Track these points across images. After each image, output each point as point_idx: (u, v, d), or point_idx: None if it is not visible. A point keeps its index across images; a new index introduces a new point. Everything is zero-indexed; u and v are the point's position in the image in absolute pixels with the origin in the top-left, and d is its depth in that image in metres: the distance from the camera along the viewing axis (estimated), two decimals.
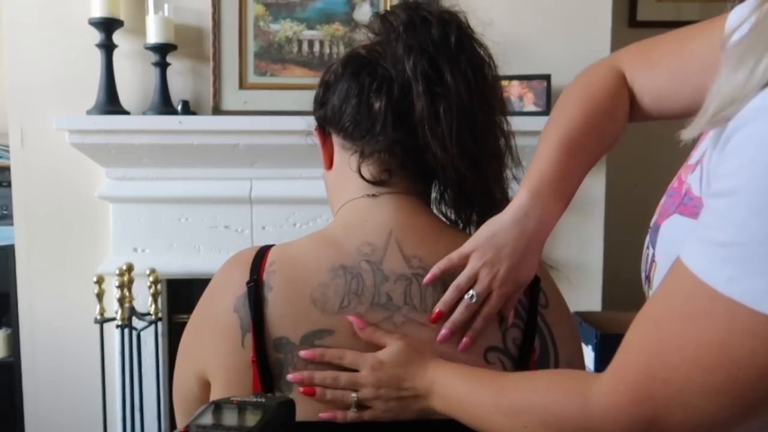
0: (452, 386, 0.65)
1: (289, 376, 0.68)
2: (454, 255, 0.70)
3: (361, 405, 0.68)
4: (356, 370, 0.68)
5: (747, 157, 0.44)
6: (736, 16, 0.66)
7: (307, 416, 0.67)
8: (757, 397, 0.45)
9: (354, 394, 0.68)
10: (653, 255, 0.58)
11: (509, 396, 0.60)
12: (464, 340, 0.70)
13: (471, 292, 0.69)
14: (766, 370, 0.44)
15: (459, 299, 0.70)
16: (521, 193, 0.71)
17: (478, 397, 0.63)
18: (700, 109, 0.62)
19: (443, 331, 0.69)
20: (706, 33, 0.71)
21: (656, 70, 0.75)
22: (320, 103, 0.80)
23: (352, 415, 0.68)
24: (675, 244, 0.52)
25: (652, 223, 0.60)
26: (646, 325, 0.50)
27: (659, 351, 0.48)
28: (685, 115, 0.72)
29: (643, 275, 0.62)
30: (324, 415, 0.68)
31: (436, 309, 0.70)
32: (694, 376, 0.46)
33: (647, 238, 0.61)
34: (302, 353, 0.68)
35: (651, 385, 0.48)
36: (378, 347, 0.69)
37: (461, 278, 0.70)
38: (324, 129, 0.81)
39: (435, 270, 0.70)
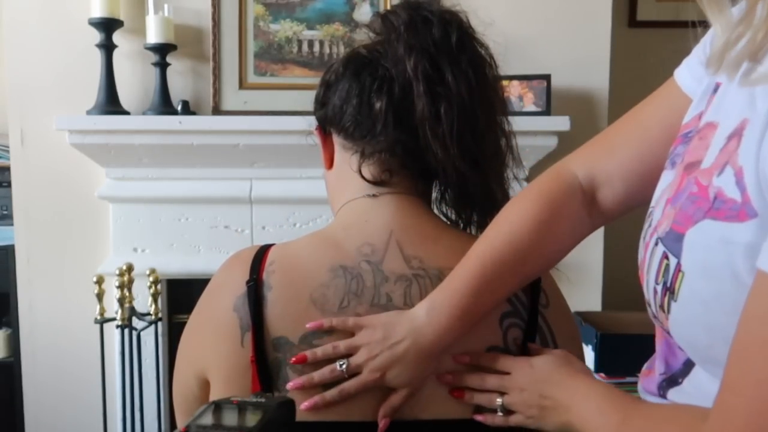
0: (589, 414, 0.64)
1: (297, 357, 0.67)
2: (350, 322, 0.69)
3: (506, 410, 0.69)
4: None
5: None
6: (686, 65, 0.67)
7: (307, 416, 0.67)
8: None
9: (499, 399, 0.69)
10: (678, 264, 0.55)
11: (632, 425, 0.59)
12: (306, 404, 0.67)
13: (343, 361, 0.68)
14: None
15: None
16: (425, 303, 0.69)
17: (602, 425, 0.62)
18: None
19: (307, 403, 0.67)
20: (658, 96, 0.71)
21: (618, 151, 0.72)
22: (321, 102, 0.80)
23: (499, 419, 0.69)
24: (710, 250, 0.50)
25: (663, 232, 0.57)
26: (748, 356, 0.45)
27: (760, 381, 0.44)
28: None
29: (657, 287, 0.58)
30: (479, 418, 0.69)
31: (305, 377, 0.68)
32: None
33: (658, 248, 0.58)
34: (458, 357, 0.71)
35: (764, 420, 0.44)
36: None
37: (343, 344, 0.68)
38: (324, 129, 0.81)
39: (323, 322, 0.68)
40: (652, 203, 0.62)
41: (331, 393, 0.67)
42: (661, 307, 0.58)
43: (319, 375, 0.67)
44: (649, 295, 0.60)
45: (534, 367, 0.69)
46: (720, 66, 0.52)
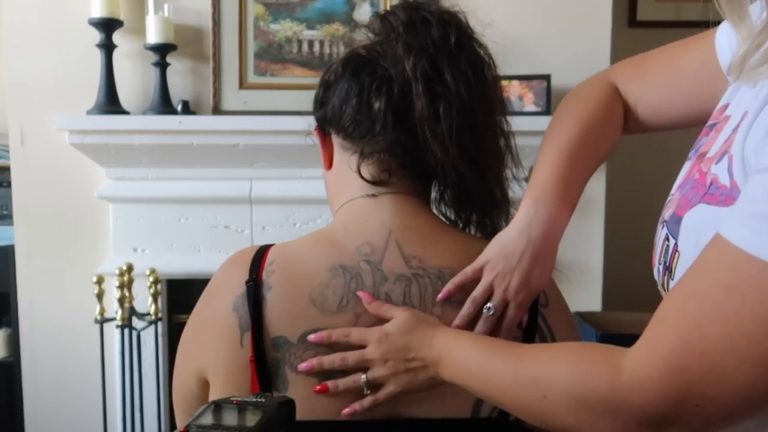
0: (463, 355, 0.64)
1: (301, 366, 0.68)
2: (468, 269, 0.71)
3: (373, 386, 0.68)
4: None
5: None
6: (726, 28, 0.67)
7: (306, 416, 0.67)
8: None
9: (363, 376, 0.68)
10: (675, 245, 0.59)
11: (529, 366, 0.58)
12: (348, 410, 0.69)
13: (488, 304, 0.70)
14: None
15: (476, 313, 0.70)
16: (524, 203, 0.72)
17: (492, 367, 0.61)
18: (692, 122, 0.63)
19: (349, 409, 0.68)
20: (696, 47, 0.72)
21: (648, 84, 0.77)
22: (320, 103, 0.80)
23: (368, 400, 0.68)
24: (702, 232, 0.52)
25: (668, 216, 0.61)
26: (683, 298, 0.50)
27: (698, 323, 0.48)
28: (679, 126, 0.75)
29: (659, 267, 0.62)
30: (346, 412, 0.68)
31: (455, 323, 0.70)
32: (737, 347, 0.46)
33: (663, 231, 0.61)
34: (310, 337, 0.68)
35: (687, 357, 0.48)
36: (386, 321, 0.69)
37: (476, 292, 0.70)
38: (324, 129, 0.81)
39: (450, 286, 0.70)
40: (672, 191, 0.64)
41: (365, 402, 0.68)
42: (663, 286, 0.61)
43: (343, 384, 0.68)
44: (655, 274, 0.63)
45: (390, 334, 0.67)
46: (741, 73, 0.55)
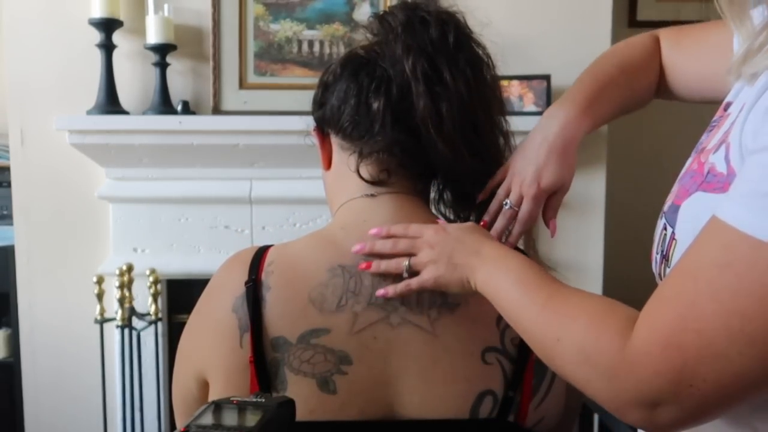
0: (502, 272, 0.64)
1: (354, 248, 0.70)
2: (498, 173, 0.77)
3: (412, 273, 0.68)
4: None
5: None
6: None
7: (305, 416, 0.67)
8: None
9: (407, 261, 0.69)
10: (672, 233, 0.59)
11: (556, 307, 0.59)
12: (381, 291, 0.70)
13: (506, 200, 0.75)
14: None
15: (500, 208, 0.76)
16: (548, 109, 0.78)
17: (523, 295, 0.61)
18: (709, 98, 0.64)
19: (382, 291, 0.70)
20: (725, 26, 0.73)
21: (681, 52, 0.82)
22: (319, 103, 0.80)
23: (402, 284, 0.68)
24: (698, 219, 0.52)
25: (667, 206, 0.61)
26: (680, 276, 0.50)
27: (693, 300, 0.48)
28: (700, 100, 0.79)
29: (657, 256, 0.63)
30: (379, 293, 0.69)
31: (483, 219, 0.76)
32: (731, 325, 0.46)
33: (661, 221, 0.62)
34: (371, 231, 0.71)
35: (682, 335, 0.48)
36: None
37: (500, 190, 0.76)
38: (323, 129, 0.81)
39: (484, 192, 0.77)
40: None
41: (399, 286, 0.69)
42: (659, 275, 0.62)
43: (385, 266, 0.70)
44: (653, 266, 0.64)
45: (447, 228, 0.69)
46: (741, 74, 0.56)
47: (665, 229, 0.61)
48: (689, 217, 0.57)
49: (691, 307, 0.48)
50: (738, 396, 0.48)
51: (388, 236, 0.70)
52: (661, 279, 0.61)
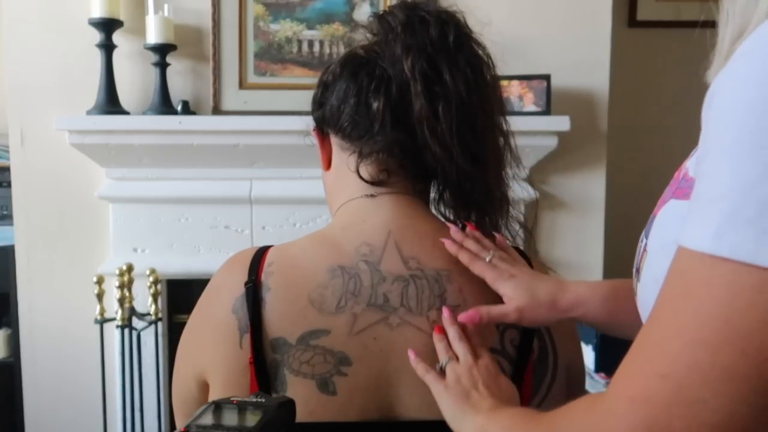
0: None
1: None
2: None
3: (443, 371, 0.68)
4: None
5: (727, 105, 0.41)
6: None
7: (304, 418, 0.67)
8: None
9: (446, 358, 0.67)
10: (645, 245, 0.55)
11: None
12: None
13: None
14: None
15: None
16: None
17: None
18: None
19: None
20: None
21: None
22: (318, 103, 0.80)
23: (430, 376, 0.67)
24: (668, 229, 0.49)
25: (648, 221, 0.59)
26: (649, 318, 0.44)
27: (658, 341, 0.41)
28: None
29: (634, 269, 0.59)
30: (412, 356, 0.68)
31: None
32: (699, 361, 0.38)
33: (643, 232, 0.58)
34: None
35: (647, 383, 0.40)
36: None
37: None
38: (322, 130, 0.81)
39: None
40: None
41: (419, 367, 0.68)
42: (635, 291, 0.58)
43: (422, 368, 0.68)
44: (633, 279, 0.60)
45: (480, 367, 0.67)
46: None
47: (641, 240, 0.57)
48: (661, 226, 0.53)
49: (656, 349, 0.41)
50: None
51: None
52: (635, 294, 0.58)
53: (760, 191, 0.37)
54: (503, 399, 0.64)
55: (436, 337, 0.69)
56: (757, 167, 0.38)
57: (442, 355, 0.68)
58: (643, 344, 0.42)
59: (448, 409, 0.65)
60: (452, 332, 0.69)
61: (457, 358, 0.67)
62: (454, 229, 0.75)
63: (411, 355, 0.68)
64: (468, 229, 0.75)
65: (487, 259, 0.72)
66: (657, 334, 0.41)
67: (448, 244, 0.73)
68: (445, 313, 0.70)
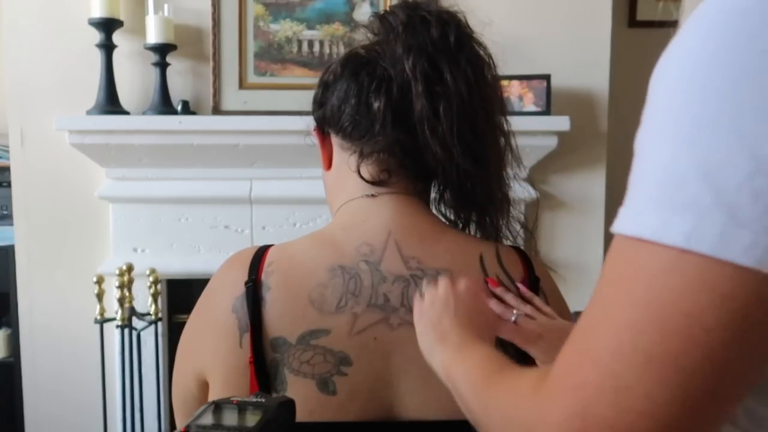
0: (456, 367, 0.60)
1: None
2: None
3: None
4: None
5: (654, 91, 0.41)
6: None
7: (304, 417, 0.67)
8: (694, 366, 0.36)
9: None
10: None
11: (492, 387, 0.53)
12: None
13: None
14: (693, 317, 0.36)
15: None
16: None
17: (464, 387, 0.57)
18: None
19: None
20: None
21: None
22: (319, 103, 0.80)
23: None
24: None
25: None
26: (586, 307, 0.43)
27: (590, 327, 0.41)
28: None
29: None
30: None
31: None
32: (623, 343, 0.38)
33: None
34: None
35: (581, 369, 0.40)
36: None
37: None
38: (323, 129, 0.81)
39: None
40: None
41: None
42: None
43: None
44: None
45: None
46: None
47: None
48: None
49: (589, 334, 0.40)
50: None
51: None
52: None
53: (671, 170, 0.37)
54: (472, 329, 0.62)
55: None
56: (672, 145, 0.38)
57: (424, 285, 0.68)
58: (579, 329, 0.42)
59: (420, 337, 0.64)
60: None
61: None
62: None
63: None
64: (490, 285, 0.72)
65: (513, 320, 0.69)
66: (590, 320, 0.41)
67: None
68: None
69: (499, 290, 0.73)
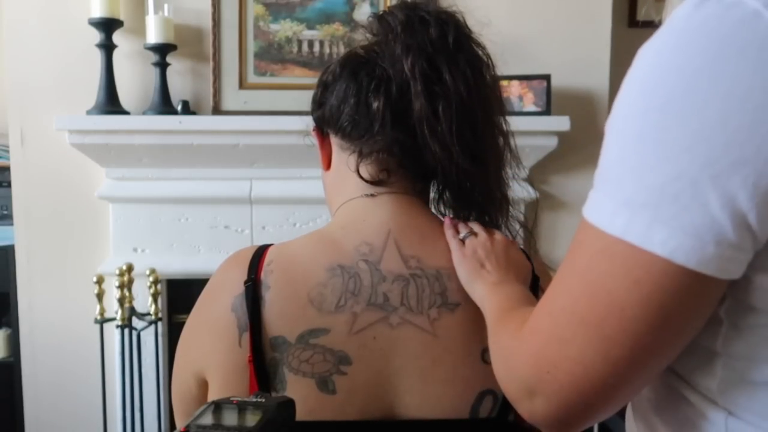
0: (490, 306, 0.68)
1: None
2: None
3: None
4: None
5: (623, 90, 0.47)
6: None
7: (303, 417, 0.67)
8: (612, 334, 0.45)
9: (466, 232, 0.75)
10: None
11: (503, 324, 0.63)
12: None
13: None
14: (614, 294, 0.44)
15: None
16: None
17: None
18: None
19: None
20: None
21: None
22: (318, 103, 0.80)
23: (455, 241, 0.75)
24: None
25: None
26: (552, 296, 0.52)
27: (553, 285, 0.51)
28: None
29: None
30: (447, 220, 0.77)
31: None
32: (567, 305, 0.48)
33: None
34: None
35: (541, 319, 0.51)
36: None
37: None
38: (322, 130, 0.81)
39: None
40: None
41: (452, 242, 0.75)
42: None
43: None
44: None
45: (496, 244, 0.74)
46: None
47: None
48: None
49: (551, 291, 0.50)
50: (594, 393, 0.47)
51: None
52: None
53: (619, 169, 0.45)
54: (510, 272, 0.71)
55: (448, 223, 0.76)
56: (621, 148, 0.46)
57: (463, 230, 0.75)
58: (550, 286, 0.51)
59: (464, 275, 0.71)
60: (464, 223, 0.76)
61: (476, 235, 0.74)
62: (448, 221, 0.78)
63: (446, 221, 0.77)
64: (445, 221, 0.78)
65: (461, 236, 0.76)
66: (555, 280, 0.50)
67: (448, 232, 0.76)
68: (447, 221, 0.77)
69: (451, 222, 0.78)
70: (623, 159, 0.45)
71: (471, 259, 0.72)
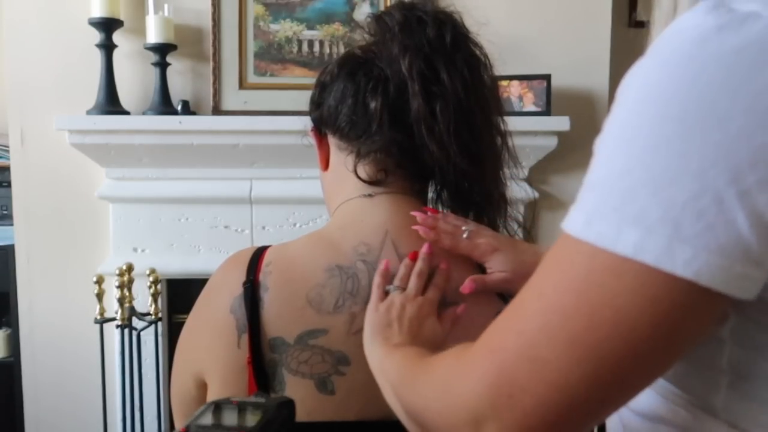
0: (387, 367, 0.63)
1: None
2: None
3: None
4: None
5: (619, 101, 0.45)
6: None
7: (302, 417, 0.67)
8: (612, 355, 0.41)
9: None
10: None
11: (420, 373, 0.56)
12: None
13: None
14: (622, 313, 0.40)
15: None
16: None
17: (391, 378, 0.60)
18: None
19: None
20: None
21: None
22: (316, 103, 0.80)
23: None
24: None
25: None
26: (522, 287, 0.48)
27: (522, 303, 0.45)
28: None
29: None
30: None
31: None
32: (549, 324, 0.42)
33: None
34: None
35: (506, 338, 0.45)
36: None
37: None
38: (320, 130, 0.81)
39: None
40: None
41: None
42: None
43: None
44: None
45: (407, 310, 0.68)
46: None
47: None
48: None
49: (520, 309, 0.45)
50: (564, 416, 0.42)
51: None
52: None
53: (625, 182, 0.41)
54: (418, 340, 0.65)
55: (404, 263, 0.71)
56: (628, 159, 0.41)
57: (396, 281, 0.70)
58: (512, 306, 0.46)
59: (366, 330, 0.67)
60: (418, 267, 0.70)
61: (403, 290, 0.69)
62: (423, 217, 0.74)
63: (382, 265, 0.70)
64: (430, 213, 0.75)
65: (465, 236, 0.74)
66: (522, 300, 0.46)
67: (423, 231, 0.73)
68: (425, 249, 0.72)
69: (440, 215, 0.76)
70: (631, 171, 0.41)
71: (382, 315, 0.66)
